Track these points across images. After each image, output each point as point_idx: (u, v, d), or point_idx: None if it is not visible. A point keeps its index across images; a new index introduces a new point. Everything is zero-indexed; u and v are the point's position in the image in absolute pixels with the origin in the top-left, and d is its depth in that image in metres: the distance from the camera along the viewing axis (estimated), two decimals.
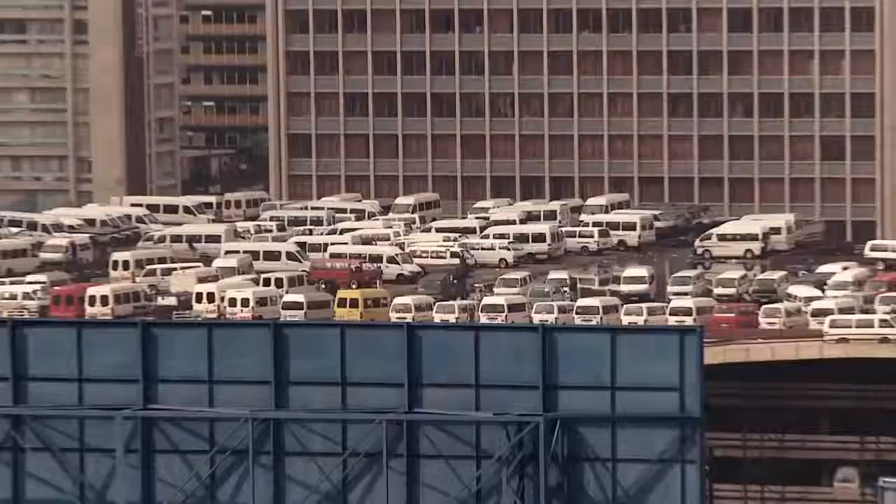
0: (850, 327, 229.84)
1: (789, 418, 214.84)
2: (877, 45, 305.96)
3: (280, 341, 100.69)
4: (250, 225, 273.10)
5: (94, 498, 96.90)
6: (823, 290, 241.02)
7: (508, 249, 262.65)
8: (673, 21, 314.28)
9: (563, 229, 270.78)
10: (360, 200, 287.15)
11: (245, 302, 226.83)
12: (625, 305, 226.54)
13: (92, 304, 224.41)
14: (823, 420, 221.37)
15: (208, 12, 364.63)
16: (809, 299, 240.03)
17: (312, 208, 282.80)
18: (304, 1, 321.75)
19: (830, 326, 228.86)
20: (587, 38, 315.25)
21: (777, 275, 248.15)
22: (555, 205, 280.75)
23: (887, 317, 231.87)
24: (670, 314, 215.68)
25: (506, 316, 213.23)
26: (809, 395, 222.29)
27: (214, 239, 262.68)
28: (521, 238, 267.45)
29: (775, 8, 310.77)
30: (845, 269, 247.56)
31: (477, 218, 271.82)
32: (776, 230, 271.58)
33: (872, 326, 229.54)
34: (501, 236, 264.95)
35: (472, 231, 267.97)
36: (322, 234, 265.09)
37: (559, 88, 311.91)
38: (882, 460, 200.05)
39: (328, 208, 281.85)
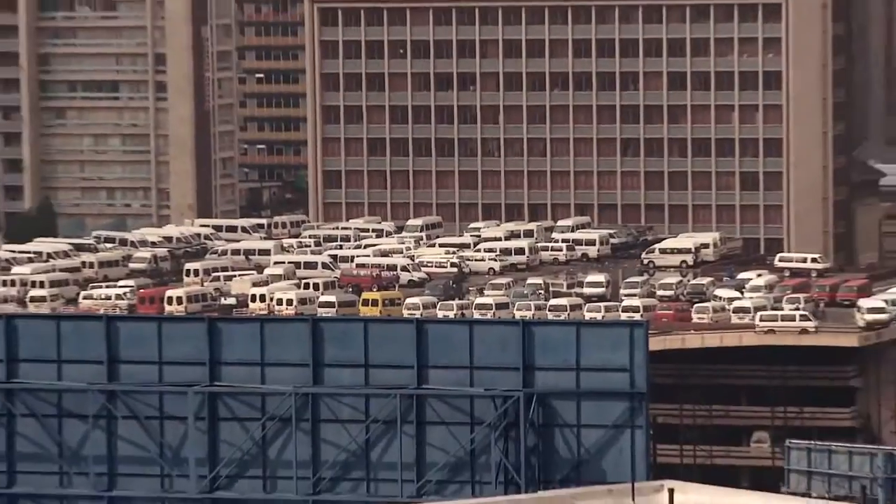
0: (776, 321, 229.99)
1: (715, 393, 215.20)
2: (784, 101, 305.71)
3: (317, 333, 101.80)
4: (293, 241, 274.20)
5: (171, 455, 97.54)
6: (742, 292, 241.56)
7: (495, 260, 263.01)
8: (624, 81, 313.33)
9: (539, 244, 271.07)
10: (379, 222, 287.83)
11: (289, 302, 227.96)
12: (587, 304, 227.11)
13: (169, 303, 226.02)
14: (742, 394, 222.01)
15: (261, 75, 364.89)
16: (731, 299, 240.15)
17: (342, 228, 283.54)
18: (336, 66, 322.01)
19: (761, 320, 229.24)
20: (557, 95, 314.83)
21: (706, 280, 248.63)
22: (532, 225, 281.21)
23: (806, 313, 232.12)
24: (622, 311, 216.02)
25: (494, 313, 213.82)
26: (731, 374, 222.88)
27: (265, 252, 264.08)
28: (506, 251, 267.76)
29: (704, 72, 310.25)
30: (759, 275, 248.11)
31: (471, 236, 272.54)
32: (705, 245, 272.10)
33: (794, 320, 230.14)
34: (490, 250, 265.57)
35: (466, 246, 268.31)
36: (349, 248, 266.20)
37: (535, 134, 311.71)
38: (788, 426, 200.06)
39: (354, 228, 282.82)
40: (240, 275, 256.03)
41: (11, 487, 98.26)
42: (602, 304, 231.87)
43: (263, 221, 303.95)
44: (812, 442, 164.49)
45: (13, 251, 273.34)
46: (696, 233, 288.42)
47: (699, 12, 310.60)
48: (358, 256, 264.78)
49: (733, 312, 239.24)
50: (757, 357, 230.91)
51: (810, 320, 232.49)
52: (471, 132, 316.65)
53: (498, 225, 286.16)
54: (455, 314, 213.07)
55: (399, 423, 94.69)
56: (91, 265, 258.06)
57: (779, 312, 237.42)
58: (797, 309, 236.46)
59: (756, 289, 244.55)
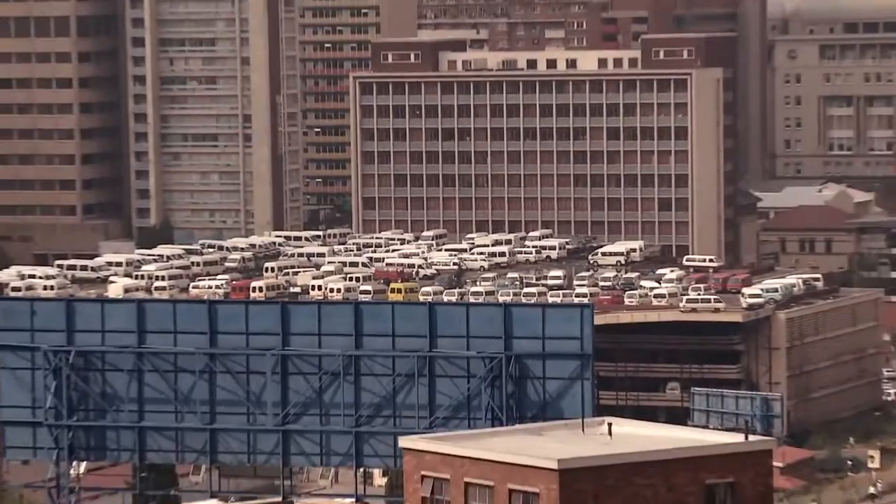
0: (697, 302, 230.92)
1: (641, 354, 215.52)
2: (689, 148, 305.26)
3: (357, 312, 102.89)
4: (341, 247, 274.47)
5: (254, 399, 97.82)
6: (659, 283, 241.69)
7: (485, 261, 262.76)
8: (576, 133, 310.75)
9: (515, 249, 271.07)
10: (402, 234, 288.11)
11: (338, 290, 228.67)
12: (550, 292, 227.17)
13: (253, 291, 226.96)
14: (660, 355, 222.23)
15: (318, 129, 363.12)
16: (651, 288, 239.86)
17: (376, 238, 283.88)
18: (371, 122, 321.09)
19: (686, 302, 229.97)
20: (529, 144, 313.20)
21: (634, 275, 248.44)
22: (510, 236, 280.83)
23: (719, 297, 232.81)
24: (575, 297, 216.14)
25: (483, 298, 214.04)
26: (651, 341, 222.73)
27: (321, 255, 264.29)
28: (492, 254, 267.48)
29: (633, 127, 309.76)
30: (672, 271, 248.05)
31: (467, 243, 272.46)
32: (633, 250, 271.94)
33: (710, 302, 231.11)
34: (481, 253, 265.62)
35: (464, 250, 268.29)
36: (381, 252, 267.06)
37: (513, 172, 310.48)
38: (693, 378, 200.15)
39: (384, 238, 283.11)
40: (303, 271, 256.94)
41: (140, 422, 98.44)
42: (561, 292, 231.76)
43: (319, 233, 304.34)
44: (710, 389, 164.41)
45: (143, 255, 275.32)
46: (627, 241, 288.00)
47: (629, 84, 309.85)
48: (387, 258, 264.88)
49: (653, 297, 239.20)
50: (670, 329, 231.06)
51: (721, 302, 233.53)
52: (467, 170, 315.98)
53: (486, 235, 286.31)
54: (456, 299, 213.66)
55: (416, 377, 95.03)
56: (198, 264, 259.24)
57: (699, 296, 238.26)
58: (699, 294, 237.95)
59: (669, 281, 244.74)
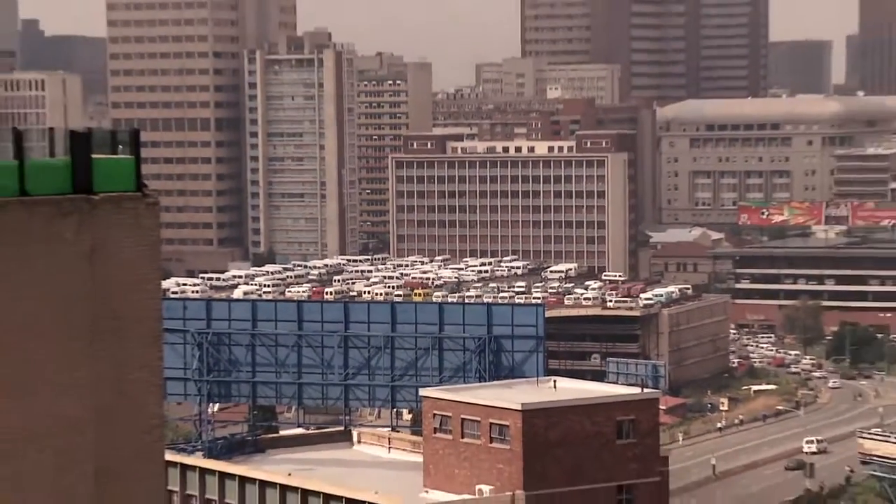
0: (611, 302, 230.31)
1: (574, 335, 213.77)
2: (607, 204, 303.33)
3: (393, 308, 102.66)
4: (383, 266, 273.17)
5: (327, 364, 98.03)
6: (587, 290, 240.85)
7: (476, 275, 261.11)
8: (534, 193, 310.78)
9: (495, 268, 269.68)
10: (422, 258, 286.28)
11: (380, 294, 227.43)
12: (516, 295, 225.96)
13: (327, 294, 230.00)
14: (587, 336, 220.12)
15: (368, 190, 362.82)
16: (582, 294, 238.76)
17: (405, 261, 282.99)
18: (403, 186, 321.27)
19: (604, 303, 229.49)
20: (504, 199, 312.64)
21: (570, 285, 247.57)
22: (491, 260, 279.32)
23: (625, 300, 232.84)
24: (533, 299, 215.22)
25: (474, 299, 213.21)
26: (581, 328, 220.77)
27: (369, 271, 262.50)
28: (480, 271, 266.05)
29: (570, 190, 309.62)
30: (595, 283, 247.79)
31: (464, 264, 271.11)
32: (570, 269, 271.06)
33: (618, 303, 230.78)
34: (472, 270, 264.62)
35: (461, 269, 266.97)
36: (409, 270, 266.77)
37: (494, 218, 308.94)
38: (608, 352, 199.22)
39: (411, 261, 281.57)
40: (357, 281, 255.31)
41: (253, 378, 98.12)
42: (524, 296, 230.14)
43: (368, 257, 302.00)
44: (619, 359, 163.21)
45: (255, 271, 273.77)
46: (566, 263, 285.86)
47: (568, 162, 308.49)
48: (412, 273, 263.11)
49: (583, 299, 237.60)
50: (593, 320, 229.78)
51: (626, 302, 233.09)
52: (464, 217, 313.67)
53: (476, 259, 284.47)
54: (455, 300, 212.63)
55: (430, 350, 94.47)
56: (290, 277, 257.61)
57: (612, 299, 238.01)
58: (613, 298, 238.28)
59: (593, 289, 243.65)
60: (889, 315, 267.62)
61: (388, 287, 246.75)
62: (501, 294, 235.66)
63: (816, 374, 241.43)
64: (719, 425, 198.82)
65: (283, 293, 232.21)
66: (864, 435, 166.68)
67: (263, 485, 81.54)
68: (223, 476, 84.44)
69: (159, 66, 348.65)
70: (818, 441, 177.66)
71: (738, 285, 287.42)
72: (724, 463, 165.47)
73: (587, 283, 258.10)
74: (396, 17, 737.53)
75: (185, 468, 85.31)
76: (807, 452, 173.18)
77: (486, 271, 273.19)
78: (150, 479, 38.42)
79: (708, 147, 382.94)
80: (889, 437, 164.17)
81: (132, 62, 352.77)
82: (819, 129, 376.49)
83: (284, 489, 79.88)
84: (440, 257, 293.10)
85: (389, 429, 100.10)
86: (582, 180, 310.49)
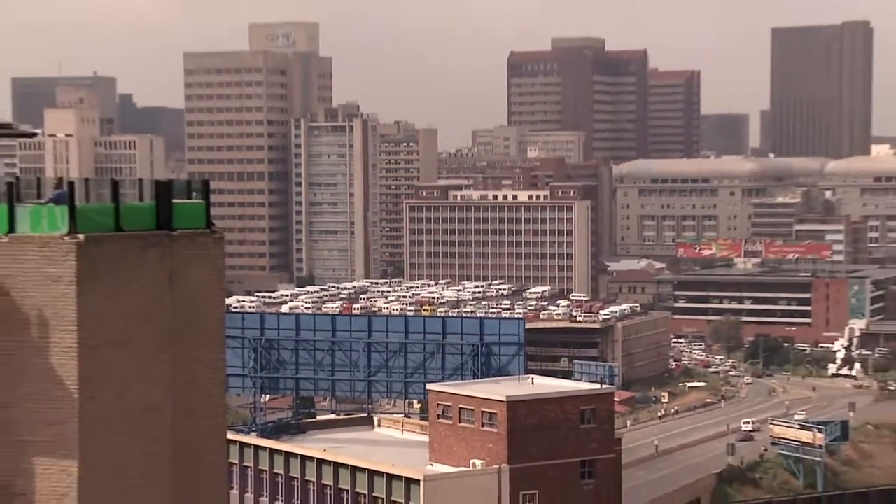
0: (577, 317, 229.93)
1: (548, 343, 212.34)
2: (574, 240, 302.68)
3: (406, 321, 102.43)
4: (399, 288, 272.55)
5: (354, 364, 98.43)
6: (558, 307, 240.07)
7: (470, 295, 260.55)
8: (517, 232, 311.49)
9: (486, 290, 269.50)
10: (429, 282, 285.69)
11: (397, 309, 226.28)
12: (502, 311, 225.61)
13: (355, 310, 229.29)
14: (558, 343, 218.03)
15: (388, 228, 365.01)
16: (554, 310, 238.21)
17: (416, 283, 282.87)
18: (414, 225, 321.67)
19: (581, 317, 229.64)
20: (493, 236, 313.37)
21: (545, 303, 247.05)
22: (484, 283, 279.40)
23: (588, 315, 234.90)
24: (515, 314, 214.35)
25: (470, 314, 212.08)
26: (553, 338, 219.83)
27: (388, 291, 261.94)
28: (474, 292, 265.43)
29: (545, 229, 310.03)
30: (566, 301, 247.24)
31: (462, 286, 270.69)
32: (545, 291, 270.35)
33: (583, 317, 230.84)
34: (469, 291, 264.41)
35: (460, 290, 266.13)
36: (419, 291, 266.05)
37: (486, 251, 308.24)
38: (575, 356, 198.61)
39: (420, 283, 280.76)
40: (379, 299, 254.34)
41: (296, 375, 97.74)
42: (508, 311, 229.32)
43: (388, 280, 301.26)
44: (583, 362, 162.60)
45: (299, 291, 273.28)
46: (541, 287, 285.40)
47: (544, 207, 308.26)
48: (421, 293, 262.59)
49: (555, 315, 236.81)
50: (564, 331, 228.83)
51: (589, 317, 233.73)
52: (462, 249, 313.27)
53: (471, 282, 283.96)
54: (455, 314, 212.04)
55: (435, 354, 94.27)
56: (326, 296, 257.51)
57: (578, 314, 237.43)
58: (578, 313, 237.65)
59: (563, 307, 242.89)
60: (793, 328, 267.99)
61: (403, 304, 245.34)
62: (491, 310, 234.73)
63: (735, 374, 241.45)
64: (660, 414, 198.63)
65: (320, 308, 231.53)
66: (774, 422, 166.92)
67: (304, 459, 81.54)
68: (272, 452, 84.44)
69: (225, 131, 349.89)
70: (753, 422, 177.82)
71: (675, 304, 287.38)
72: (665, 443, 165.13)
73: (558, 301, 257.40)
74: (411, 92, 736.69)
75: (242, 445, 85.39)
76: (745, 430, 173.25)
77: (479, 292, 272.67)
78: (216, 454, 38.10)
79: (653, 196, 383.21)
80: (793, 424, 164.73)
81: (204, 127, 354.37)
82: (739, 183, 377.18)
83: (320, 462, 79.88)
84: (443, 281, 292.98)
85: (403, 415, 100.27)
86: (554, 221, 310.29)
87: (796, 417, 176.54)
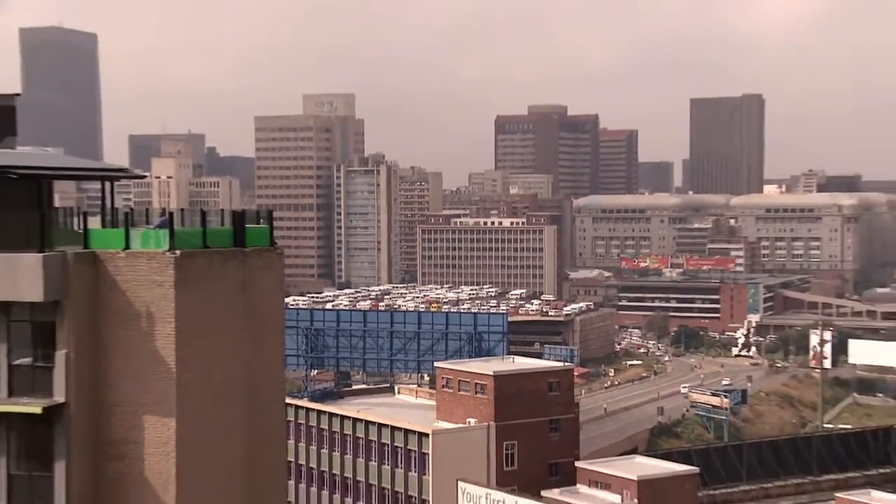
0: (548, 312, 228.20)
1: (525, 331, 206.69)
2: (545, 255, 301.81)
3: (420, 315, 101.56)
4: (414, 290, 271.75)
5: (379, 347, 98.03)
6: (532, 304, 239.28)
7: (467, 297, 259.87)
8: (503, 248, 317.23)
9: (480, 293, 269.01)
10: (436, 286, 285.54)
11: (413, 307, 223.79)
12: (491, 307, 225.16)
13: (380, 306, 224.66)
14: (533, 333, 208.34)
15: (407, 247, 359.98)
16: (529, 307, 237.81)
17: (427, 287, 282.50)
18: (426, 245, 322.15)
19: (543, 312, 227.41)
20: (483, 252, 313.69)
21: (523, 302, 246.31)
22: (476, 287, 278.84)
23: (555, 310, 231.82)
24: (501, 309, 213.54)
25: (468, 310, 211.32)
26: (530, 327, 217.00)
27: (403, 294, 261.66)
28: (469, 294, 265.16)
29: (524, 247, 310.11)
30: (538, 300, 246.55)
31: (461, 289, 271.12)
32: (524, 293, 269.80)
33: (551, 312, 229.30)
34: (466, 293, 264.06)
35: (460, 292, 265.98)
36: (428, 292, 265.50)
37: (478, 262, 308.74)
38: (545, 341, 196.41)
39: (430, 287, 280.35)
40: (399, 298, 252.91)
41: (337, 355, 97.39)
42: (495, 308, 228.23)
43: (405, 285, 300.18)
44: (551, 346, 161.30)
45: (338, 293, 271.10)
46: (520, 290, 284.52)
47: (523, 231, 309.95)
48: (430, 294, 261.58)
49: (530, 310, 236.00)
50: (536, 323, 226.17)
51: (556, 311, 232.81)
52: (460, 262, 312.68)
53: (467, 286, 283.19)
54: (456, 311, 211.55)
55: (440, 341, 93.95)
56: (360, 296, 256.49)
57: (548, 310, 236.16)
58: (548, 309, 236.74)
59: (537, 304, 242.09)
60: (706, 321, 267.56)
61: (416, 302, 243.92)
62: (482, 307, 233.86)
63: (663, 355, 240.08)
64: (607, 385, 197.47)
65: (354, 305, 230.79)
66: (693, 391, 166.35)
67: (342, 417, 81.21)
68: (319, 412, 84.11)
69: (284, 174, 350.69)
70: (688, 386, 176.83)
71: (619, 303, 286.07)
72: (611, 406, 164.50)
73: (532, 301, 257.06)
74: (423, 144, 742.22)
75: (297, 408, 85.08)
76: (683, 393, 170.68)
77: (473, 293, 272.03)
78: (277, 414, 37.88)
79: (602, 223, 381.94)
80: (702, 390, 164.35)
81: (269, 171, 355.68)
82: (667, 213, 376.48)
83: (354, 420, 79.57)
84: (447, 285, 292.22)
85: (416, 385, 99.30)
86: (529, 241, 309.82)
87: (722, 383, 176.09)
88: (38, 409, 27.32)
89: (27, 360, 28.15)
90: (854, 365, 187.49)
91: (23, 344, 28.43)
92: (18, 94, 35.70)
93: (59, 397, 27.76)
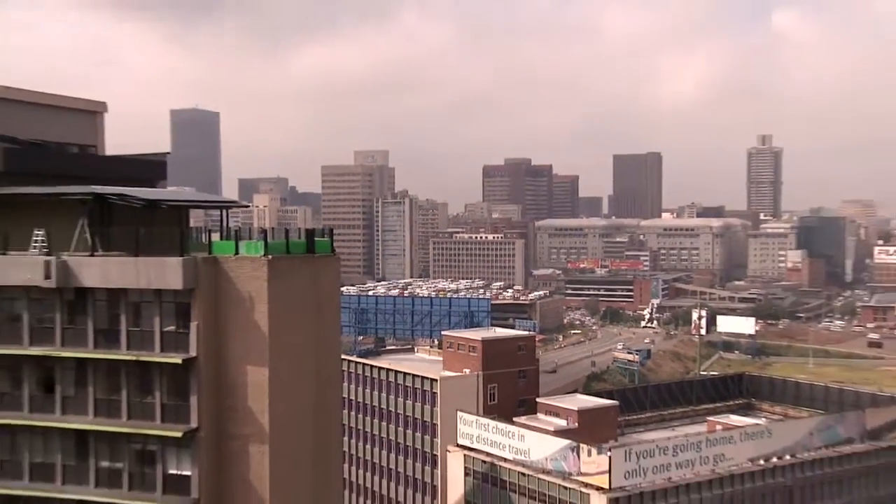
0: (519, 297, 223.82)
1: (503, 311, 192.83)
2: (515, 260, 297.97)
3: (433, 301, 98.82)
4: (428, 281, 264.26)
5: (404, 321, 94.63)
6: (508, 292, 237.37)
7: (465, 287, 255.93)
8: (489, 251, 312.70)
9: (471, 285, 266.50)
10: (444, 280, 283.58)
11: (427, 294, 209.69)
12: (479, 295, 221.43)
13: (404, 293, 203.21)
14: (509, 312, 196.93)
15: (423, 253, 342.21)
16: (505, 294, 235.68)
17: (437, 280, 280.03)
18: (437, 250, 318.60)
19: (514, 297, 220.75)
20: (474, 254, 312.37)
21: (501, 291, 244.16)
22: (469, 280, 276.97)
23: (524, 296, 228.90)
24: (486, 295, 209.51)
25: (466, 296, 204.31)
26: (507, 307, 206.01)
27: (422, 284, 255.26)
28: (467, 286, 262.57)
29: (504, 255, 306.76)
30: (511, 289, 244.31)
31: (460, 282, 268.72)
32: (501, 284, 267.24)
33: (520, 297, 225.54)
34: (463, 286, 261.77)
35: (457, 284, 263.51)
36: (438, 284, 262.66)
37: (472, 263, 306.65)
38: (517, 317, 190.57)
39: (440, 280, 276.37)
40: (418, 288, 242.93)
41: (375, 325, 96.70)
42: (483, 296, 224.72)
43: (422, 279, 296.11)
44: (521, 321, 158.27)
45: (377, 284, 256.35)
46: (499, 282, 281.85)
47: (502, 242, 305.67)
48: (438, 286, 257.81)
49: (507, 296, 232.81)
50: (510, 305, 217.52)
51: (524, 297, 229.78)
52: (461, 262, 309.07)
53: (464, 280, 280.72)
54: (459, 297, 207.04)
55: (446, 316, 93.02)
56: (391, 286, 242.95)
57: (519, 296, 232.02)
58: (519, 295, 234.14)
59: (510, 292, 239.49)
60: (624, 303, 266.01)
61: (429, 291, 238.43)
62: (473, 294, 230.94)
63: (595, 327, 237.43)
64: (556, 347, 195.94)
65: (388, 292, 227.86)
66: (616, 350, 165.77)
67: (379, 368, 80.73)
68: (363, 364, 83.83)
69: (341, 204, 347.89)
70: (622, 346, 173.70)
71: (566, 292, 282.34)
72: (560, 361, 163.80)
73: (507, 290, 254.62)
74: (434, 184, 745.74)
75: (348, 361, 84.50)
76: (620, 354, 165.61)
77: (468, 285, 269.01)
78: (335, 365, 38.10)
79: (555, 238, 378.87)
80: (621, 350, 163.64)
81: (331, 202, 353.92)
82: (597, 231, 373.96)
83: (388, 370, 79.12)
84: (450, 279, 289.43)
85: (429, 347, 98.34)
86: (506, 250, 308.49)
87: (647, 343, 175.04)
88: (178, 360, 29.94)
89: (172, 328, 29.89)
90: (720, 332, 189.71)
91: (169, 317, 30.08)
92: (168, 153, 37.28)
93: (192, 353, 29.80)
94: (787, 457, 51.28)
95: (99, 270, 28.59)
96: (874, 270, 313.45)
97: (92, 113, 36.50)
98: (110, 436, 28.36)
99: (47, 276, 27.70)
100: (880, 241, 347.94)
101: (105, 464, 28.16)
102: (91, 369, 28.59)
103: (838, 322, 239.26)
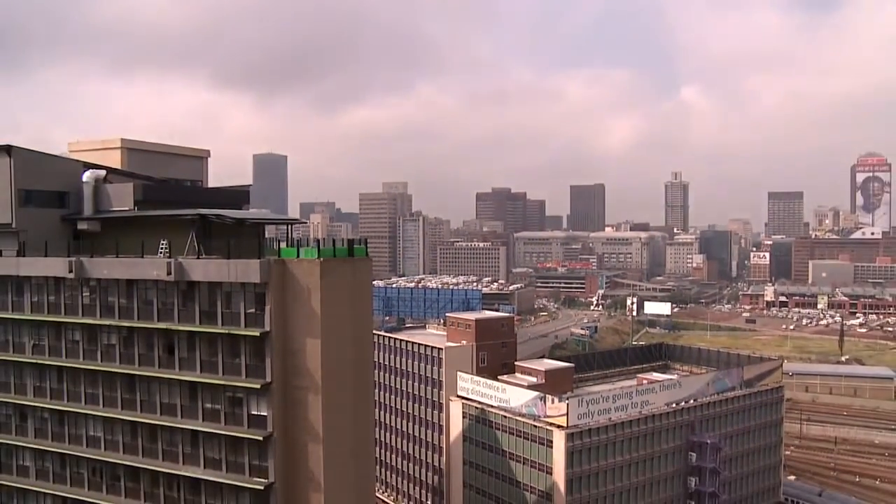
0: (504, 289, 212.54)
1: (491, 300, 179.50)
2: (501, 262, 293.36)
3: (441, 291, 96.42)
4: (435, 278, 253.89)
5: (420, 306, 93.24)
6: (494, 286, 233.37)
7: (463, 282, 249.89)
8: (482, 254, 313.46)
9: (469, 279, 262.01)
10: (449, 276, 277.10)
11: (436, 287, 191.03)
12: (473, 287, 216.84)
13: (418, 287, 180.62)
14: (495, 300, 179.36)
15: (433, 256, 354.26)
16: (492, 286, 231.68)
17: (445, 276, 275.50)
18: (444, 249, 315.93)
19: (503, 290, 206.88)
20: (469, 257, 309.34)
21: (489, 284, 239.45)
22: (467, 276, 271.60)
23: (507, 289, 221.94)
24: (478, 289, 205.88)
25: (467, 287, 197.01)
26: (493, 298, 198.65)
27: (432, 279, 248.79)
28: (466, 280, 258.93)
29: (491, 253, 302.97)
30: (496, 284, 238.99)
31: (460, 277, 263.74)
32: (488, 280, 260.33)
33: (504, 290, 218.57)
34: (461, 281, 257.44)
35: (459, 280, 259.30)
36: (445, 278, 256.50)
37: (474, 261, 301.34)
38: (501, 304, 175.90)
39: (447, 277, 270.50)
40: (427, 282, 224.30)
41: (398, 309, 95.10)
42: (476, 287, 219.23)
43: (433, 275, 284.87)
44: (502, 305, 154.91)
45: (399, 279, 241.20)
46: (488, 278, 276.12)
47: (492, 248, 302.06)
48: (443, 280, 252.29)
49: (493, 288, 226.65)
50: (496, 294, 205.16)
51: (506, 290, 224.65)
52: (462, 260, 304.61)
53: (463, 277, 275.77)
54: (461, 289, 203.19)
55: (449, 302, 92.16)
56: (410, 280, 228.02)
57: (506, 288, 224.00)
58: (505, 287, 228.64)
59: (495, 286, 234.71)
60: (579, 293, 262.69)
61: (437, 284, 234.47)
62: (469, 286, 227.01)
63: (557, 310, 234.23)
64: (528, 325, 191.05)
65: (406, 285, 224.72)
66: (572, 327, 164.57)
67: (400, 340, 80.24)
68: (389, 337, 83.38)
69: (373, 221, 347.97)
70: (582, 323, 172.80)
71: (537, 285, 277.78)
72: (532, 335, 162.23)
73: (493, 283, 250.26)
74: (441, 204, 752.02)
75: (377, 335, 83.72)
76: (575, 329, 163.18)
77: (465, 280, 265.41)
78: (368, 338, 38.48)
79: (529, 245, 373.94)
80: (576, 327, 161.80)
81: (367, 219, 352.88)
82: (559, 240, 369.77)
83: (408, 341, 78.68)
84: (452, 276, 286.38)
85: (437, 325, 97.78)
86: (493, 254, 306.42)
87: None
88: (257, 333, 30.80)
89: (252, 310, 30.81)
90: (646, 314, 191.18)
91: (251, 302, 31.06)
92: (250, 185, 39.04)
93: (267, 328, 30.77)
94: (692, 401, 56.31)
95: (203, 269, 31.17)
96: (750, 269, 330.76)
97: (199, 157, 40.14)
98: (212, 386, 30.96)
99: (169, 273, 30.97)
100: (754, 249, 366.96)
101: (208, 405, 30.90)
102: (198, 338, 31.19)
103: (726, 305, 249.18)
